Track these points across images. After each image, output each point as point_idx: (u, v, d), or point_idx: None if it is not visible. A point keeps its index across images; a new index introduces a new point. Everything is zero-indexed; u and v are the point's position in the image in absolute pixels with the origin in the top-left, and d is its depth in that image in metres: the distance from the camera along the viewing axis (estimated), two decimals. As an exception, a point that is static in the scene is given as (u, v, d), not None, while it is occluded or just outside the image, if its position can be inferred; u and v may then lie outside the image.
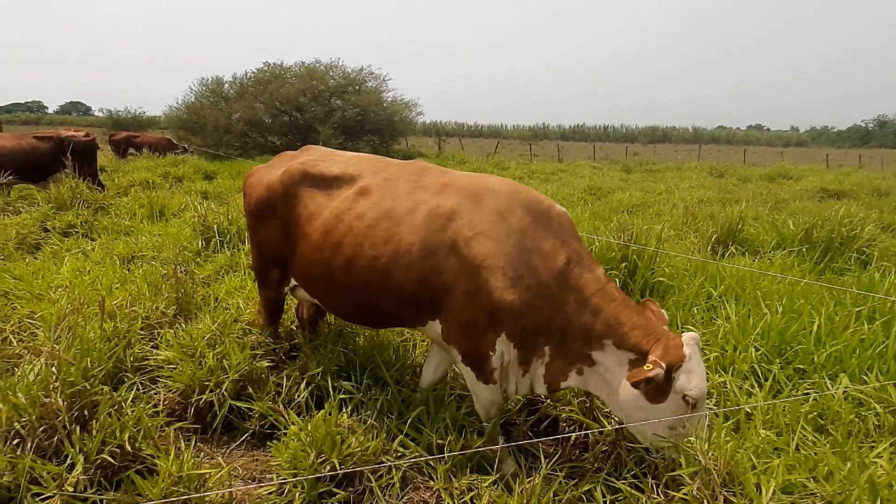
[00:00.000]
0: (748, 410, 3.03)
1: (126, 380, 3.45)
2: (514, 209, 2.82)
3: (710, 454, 2.39)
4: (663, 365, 2.47)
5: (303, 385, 3.44)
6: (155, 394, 3.41)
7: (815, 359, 3.60)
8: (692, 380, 2.51)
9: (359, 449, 2.88)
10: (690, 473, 2.43)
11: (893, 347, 3.53)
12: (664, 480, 2.57)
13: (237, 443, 3.31)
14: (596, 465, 3.02)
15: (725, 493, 2.29)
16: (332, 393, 3.31)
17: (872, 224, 7.38)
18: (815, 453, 2.52)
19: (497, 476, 2.85)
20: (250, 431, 3.34)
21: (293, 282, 3.50)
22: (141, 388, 3.44)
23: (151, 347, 3.78)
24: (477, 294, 2.71)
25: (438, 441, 3.02)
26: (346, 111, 27.76)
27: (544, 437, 3.41)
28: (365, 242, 2.95)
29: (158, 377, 3.50)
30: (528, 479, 2.68)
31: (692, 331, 2.74)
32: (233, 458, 3.19)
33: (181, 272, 4.72)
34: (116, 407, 2.96)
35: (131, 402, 3.08)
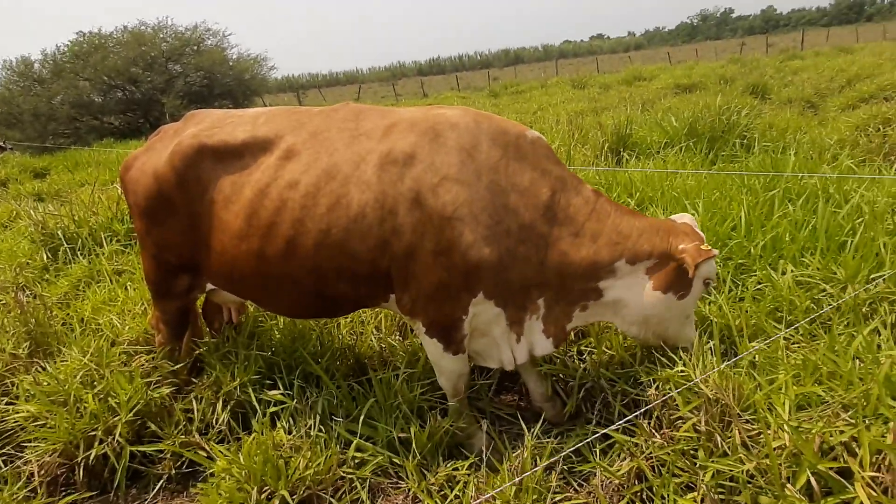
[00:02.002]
0: (714, 320, 2.85)
1: (-23, 455, 2.66)
2: (480, 144, 2.32)
3: (709, 382, 2.15)
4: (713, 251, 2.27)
5: (219, 406, 2.82)
6: (24, 464, 2.65)
7: (752, 251, 3.53)
8: (709, 262, 2.34)
9: (310, 471, 2.38)
10: (691, 409, 2.19)
11: (822, 224, 3.53)
12: (660, 419, 2.33)
13: (151, 495, 2.68)
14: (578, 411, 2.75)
15: (737, 422, 2.07)
16: (258, 408, 2.75)
17: (746, 109, 7.65)
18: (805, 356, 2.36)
19: (474, 457, 2.49)
20: (165, 476, 2.71)
21: (209, 286, 2.82)
22: (1, 462, 2.66)
23: (6, 405, 2.95)
24: (448, 252, 2.24)
25: (400, 434, 2.58)
26: (188, 76, 24.99)
27: (509, 396, 3.09)
28: (306, 216, 2.34)
29: (24, 442, 2.71)
30: (515, 454, 2.34)
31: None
32: (151, 516, 2.57)
33: (26, 297, 3.78)
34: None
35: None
